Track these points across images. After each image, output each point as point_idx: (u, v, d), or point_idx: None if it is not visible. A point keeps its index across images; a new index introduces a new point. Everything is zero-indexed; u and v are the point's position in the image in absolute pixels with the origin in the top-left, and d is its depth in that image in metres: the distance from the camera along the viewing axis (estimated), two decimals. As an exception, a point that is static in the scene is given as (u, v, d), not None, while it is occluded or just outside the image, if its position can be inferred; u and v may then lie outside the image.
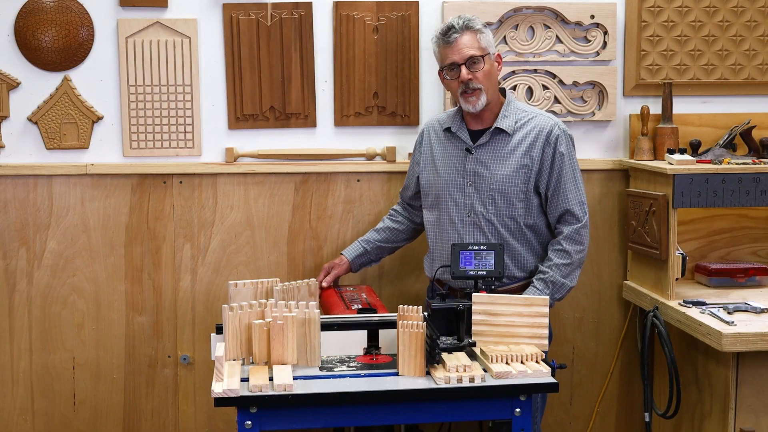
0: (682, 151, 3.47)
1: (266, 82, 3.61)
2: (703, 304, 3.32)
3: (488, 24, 3.62)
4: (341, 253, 3.51)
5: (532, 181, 3.22)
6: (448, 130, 3.31)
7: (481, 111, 3.22)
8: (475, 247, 2.94)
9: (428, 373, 2.65)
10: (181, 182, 3.65)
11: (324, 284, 3.42)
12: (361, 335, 2.88)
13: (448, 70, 3.19)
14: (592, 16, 3.67)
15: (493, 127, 3.22)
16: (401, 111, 3.67)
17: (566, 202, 3.22)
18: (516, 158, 3.20)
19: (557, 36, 3.69)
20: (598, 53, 3.71)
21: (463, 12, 3.58)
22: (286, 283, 3.04)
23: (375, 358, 2.82)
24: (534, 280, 3.20)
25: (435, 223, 3.33)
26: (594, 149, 3.79)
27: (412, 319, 2.69)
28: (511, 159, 3.21)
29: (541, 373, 2.63)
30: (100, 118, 3.60)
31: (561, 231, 3.23)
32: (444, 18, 3.59)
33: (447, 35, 3.17)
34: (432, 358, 2.62)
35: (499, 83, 3.64)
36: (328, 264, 3.49)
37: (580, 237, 3.22)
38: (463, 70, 3.15)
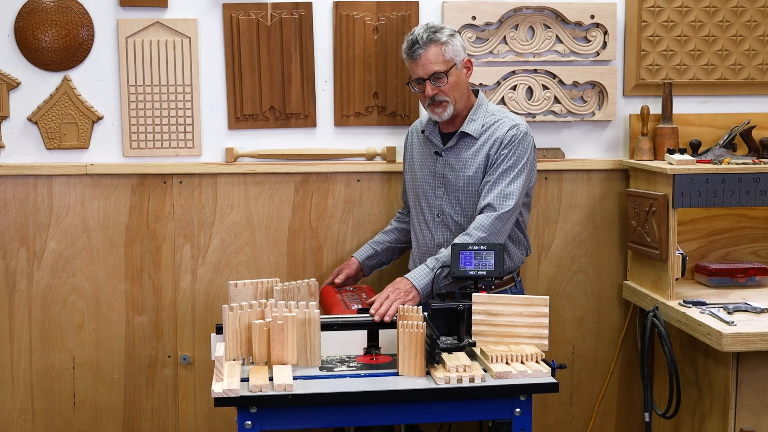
0: (682, 151, 3.47)
1: (266, 82, 3.61)
2: (703, 304, 3.32)
3: (488, 24, 3.63)
4: (352, 255, 3.54)
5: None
6: (423, 132, 3.37)
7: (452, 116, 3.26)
8: (475, 247, 2.94)
9: (428, 373, 2.65)
10: (181, 182, 3.65)
11: (337, 281, 3.44)
12: (361, 335, 2.88)
13: (415, 83, 3.22)
14: (592, 16, 3.67)
15: (459, 131, 3.26)
16: (401, 111, 3.67)
17: (488, 197, 3.15)
18: (478, 161, 3.23)
19: (557, 36, 3.69)
20: (598, 53, 3.71)
21: (463, 12, 3.59)
22: (286, 283, 3.04)
23: (375, 358, 2.82)
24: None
25: (414, 223, 3.40)
26: (594, 149, 3.79)
27: (412, 319, 2.69)
28: (474, 162, 3.23)
29: (541, 373, 2.64)
30: (100, 118, 3.60)
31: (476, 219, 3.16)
32: (444, 18, 3.59)
33: (412, 50, 3.17)
34: (432, 358, 2.63)
35: (497, 82, 3.65)
36: (339, 266, 3.52)
37: (489, 222, 3.11)
38: (428, 86, 3.17)
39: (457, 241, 3.09)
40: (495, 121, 3.25)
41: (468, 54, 3.30)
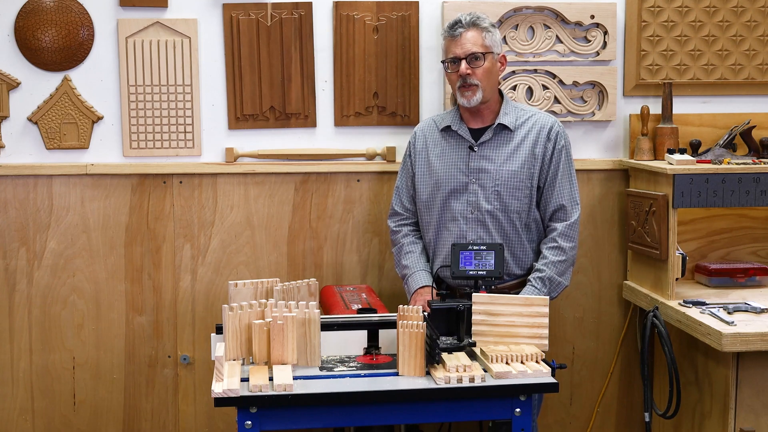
0: (682, 151, 3.47)
1: (266, 82, 3.61)
2: (703, 304, 3.32)
3: (488, 24, 3.64)
4: (423, 285, 3.28)
5: (536, 177, 3.24)
6: (446, 129, 3.32)
7: (481, 109, 3.25)
8: (475, 247, 2.94)
9: (428, 373, 2.65)
10: (181, 182, 3.65)
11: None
12: (361, 335, 2.88)
13: (450, 63, 3.23)
14: (592, 16, 3.67)
15: (496, 124, 3.25)
16: (401, 111, 3.67)
17: (560, 197, 3.26)
18: (522, 154, 3.23)
19: (557, 36, 3.69)
20: (598, 53, 3.71)
21: (463, 12, 3.58)
22: (286, 283, 3.04)
23: (375, 358, 2.82)
24: (531, 279, 3.21)
25: (435, 223, 3.31)
26: (594, 149, 3.79)
27: (412, 319, 2.69)
28: (517, 155, 3.24)
29: (541, 373, 2.63)
30: (100, 118, 3.60)
31: (554, 228, 3.25)
32: (444, 18, 3.59)
33: (453, 29, 3.23)
34: (432, 358, 2.62)
35: (499, 83, 3.65)
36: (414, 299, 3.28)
37: (573, 233, 3.26)
38: (463, 64, 3.19)
39: (555, 258, 3.20)
40: (529, 116, 3.29)
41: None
